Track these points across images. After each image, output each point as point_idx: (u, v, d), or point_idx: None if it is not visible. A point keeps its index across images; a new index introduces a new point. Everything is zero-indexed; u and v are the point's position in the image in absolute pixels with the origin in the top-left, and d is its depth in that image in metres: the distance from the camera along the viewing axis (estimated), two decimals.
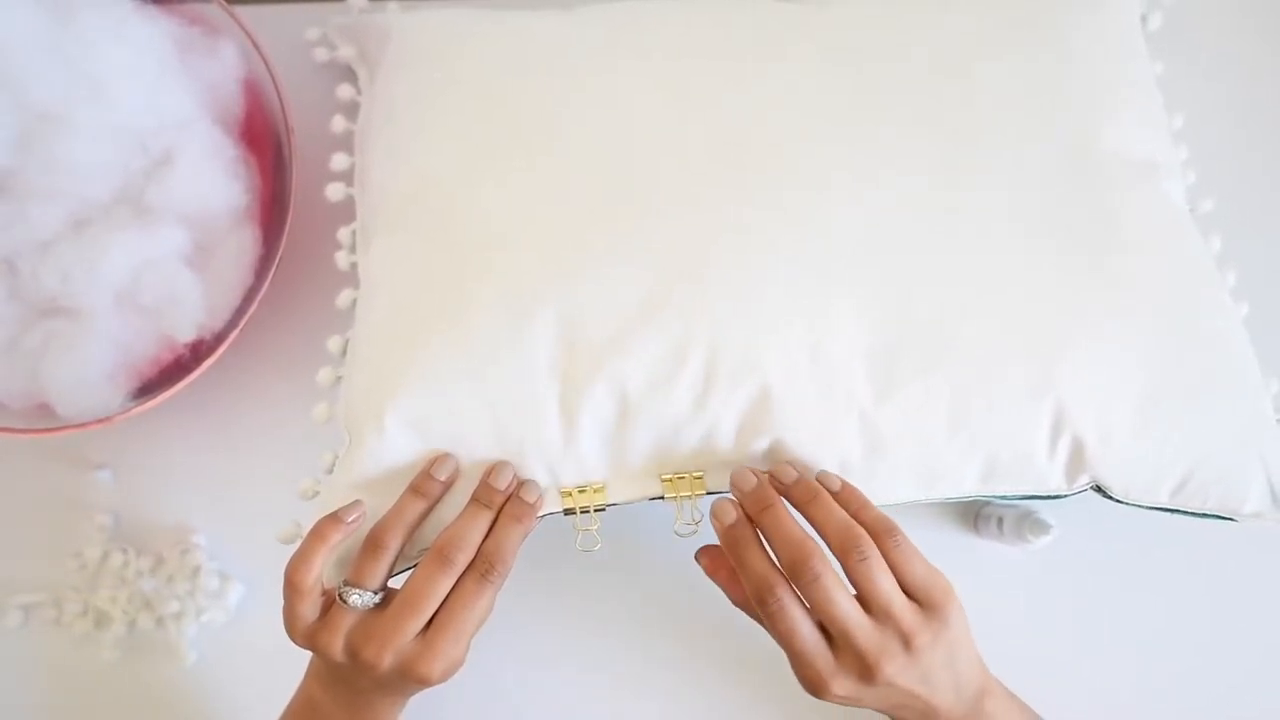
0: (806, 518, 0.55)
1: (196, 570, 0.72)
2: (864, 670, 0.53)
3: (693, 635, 0.70)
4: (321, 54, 0.74)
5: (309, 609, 0.56)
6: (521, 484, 0.58)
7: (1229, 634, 0.70)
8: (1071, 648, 0.70)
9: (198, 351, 0.68)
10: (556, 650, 0.70)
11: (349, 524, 0.56)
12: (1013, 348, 0.58)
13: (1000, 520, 0.68)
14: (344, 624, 0.55)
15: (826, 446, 0.58)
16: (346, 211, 0.69)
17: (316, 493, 0.64)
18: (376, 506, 0.59)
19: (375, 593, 0.55)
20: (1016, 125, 0.64)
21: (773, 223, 0.60)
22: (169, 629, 0.71)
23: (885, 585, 0.53)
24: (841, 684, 0.53)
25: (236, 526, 0.73)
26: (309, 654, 0.61)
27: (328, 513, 0.57)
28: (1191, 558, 0.71)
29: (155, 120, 0.67)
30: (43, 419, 0.67)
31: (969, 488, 0.60)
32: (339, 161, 0.69)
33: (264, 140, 0.72)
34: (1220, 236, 0.70)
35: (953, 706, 0.56)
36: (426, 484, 0.57)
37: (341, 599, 0.55)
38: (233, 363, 0.72)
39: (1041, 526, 0.65)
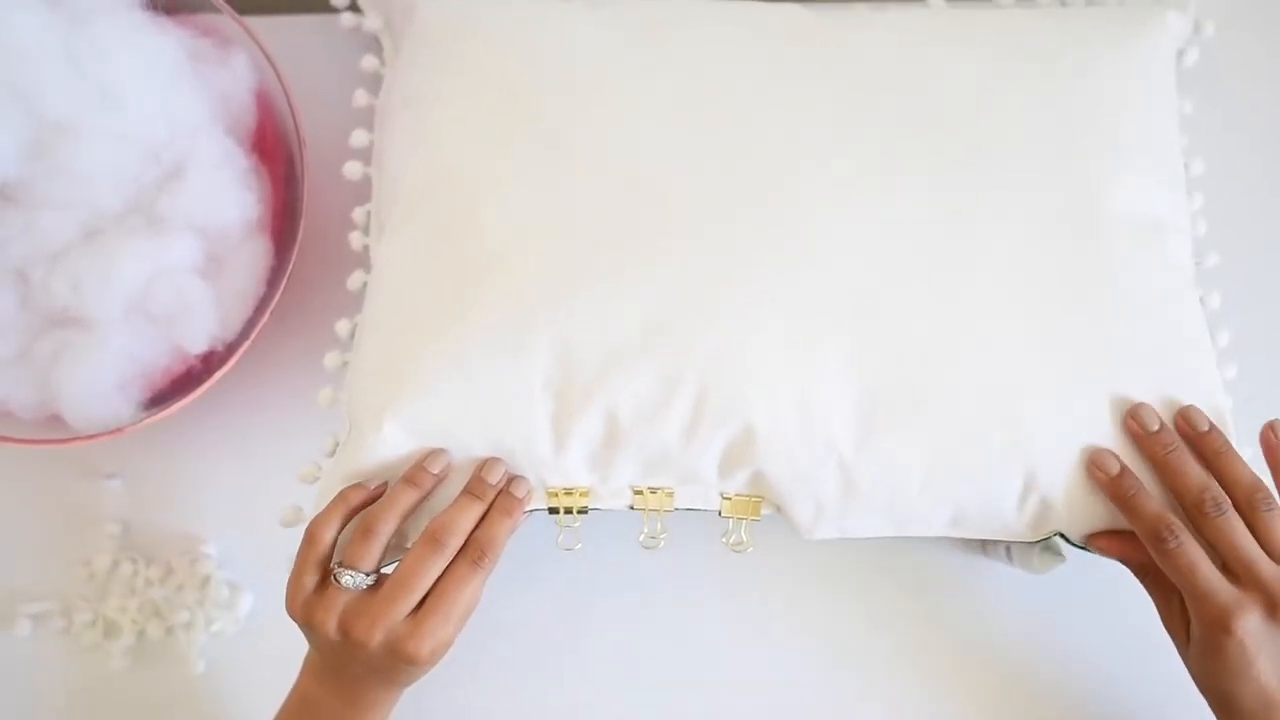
0: (1213, 470, 0.58)
1: (206, 580, 0.72)
2: (1269, 603, 0.55)
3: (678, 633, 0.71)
4: (348, 19, 0.73)
5: (311, 577, 0.58)
6: (511, 480, 0.60)
7: None
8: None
9: (209, 362, 0.68)
10: (546, 650, 0.71)
11: (372, 490, 0.59)
12: (993, 411, 0.60)
13: (1009, 548, 0.68)
14: (338, 602, 0.57)
15: (803, 485, 0.60)
16: (350, 234, 0.69)
17: (317, 477, 0.65)
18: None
19: (368, 574, 0.57)
20: (1025, 175, 0.63)
21: (773, 264, 0.60)
22: (178, 638, 0.71)
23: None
24: (1247, 618, 0.55)
25: (246, 536, 0.73)
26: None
27: (420, 454, 0.60)
28: None
29: (167, 130, 0.67)
30: (54, 429, 0.68)
31: (938, 530, 0.61)
32: (359, 138, 0.69)
33: (276, 151, 0.72)
34: (1228, 287, 0.69)
35: None
36: (419, 475, 0.59)
37: (335, 579, 0.57)
38: (244, 373, 0.72)
39: (1053, 555, 0.65)
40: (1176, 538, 0.56)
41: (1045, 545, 0.66)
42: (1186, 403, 0.61)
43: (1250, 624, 0.56)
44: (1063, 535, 0.61)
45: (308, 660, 0.62)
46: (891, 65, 0.65)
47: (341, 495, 0.59)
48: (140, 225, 0.67)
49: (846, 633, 0.71)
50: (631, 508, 0.61)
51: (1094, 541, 0.61)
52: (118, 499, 0.73)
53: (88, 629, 0.71)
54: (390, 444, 0.60)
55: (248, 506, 0.73)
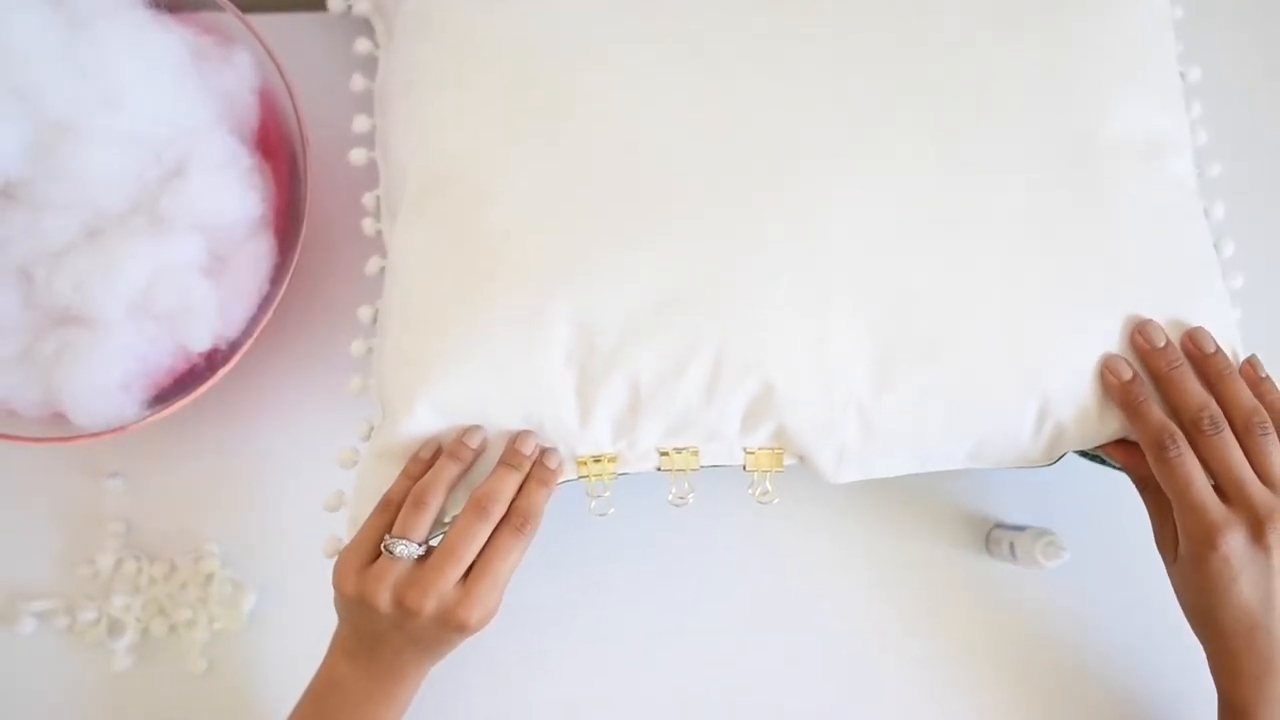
0: (1214, 391, 0.60)
1: (209, 578, 0.72)
2: (1255, 524, 0.56)
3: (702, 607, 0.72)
4: (336, 3, 0.72)
5: (367, 550, 0.59)
6: (544, 452, 0.62)
7: None
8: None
9: (213, 360, 0.68)
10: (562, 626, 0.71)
11: (427, 461, 0.61)
12: (1005, 349, 0.61)
13: (1012, 545, 0.68)
14: (390, 573, 0.58)
15: (824, 434, 0.61)
16: (362, 221, 0.69)
17: (355, 461, 0.66)
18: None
19: (420, 544, 0.58)
20: (1022, 115, 0.64)
21: (779, 223, 0.61)
22: (181, 637, 0.71)
23: (1272, 459, 0.57)
24: (1233, 536, 0.56)
25: (250, 535, 0.73)
26: (320, 660, 0.62)
27: (457, 430, 0.61)
28: None
29: (170, 129, 0.67)
30: (57, 427, 0.68)
31: (958, 463, 0.63)
32: (360, 124, 0.69)
33: (279, 149, 0.72)
34: (1232, 195, 0.70)
35: None
36: (460, 449, 0.61)
37: (388, 550, 0.58)
38: (248, 371, 0.72)
39: (1055, 550, 0.66)
40: (1177, 447, 0.58)
41: (1047, 542, 0.66)
42: (1193, 323, 0.62)
43: (1235, 542, 0.57)
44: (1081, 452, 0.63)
45: (337, 641, 0.62)
46: (887, 16, 0.65)
47: (404, 471, 0.61)
48: (143, 224, 0.67)
49: (853, 630, 0.72)
50: (659, 469, 0.62)
51: (1103, 448, 0.62)
52: (121, 497, 0.74)
53: (91, 627, 0.71)
54: (423, 425, 0.62)
55: (252, 505, 0.73)
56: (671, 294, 0.60)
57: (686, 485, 0.62)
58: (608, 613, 0.72)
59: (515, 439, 0.61)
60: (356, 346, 0.68)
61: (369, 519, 0.60)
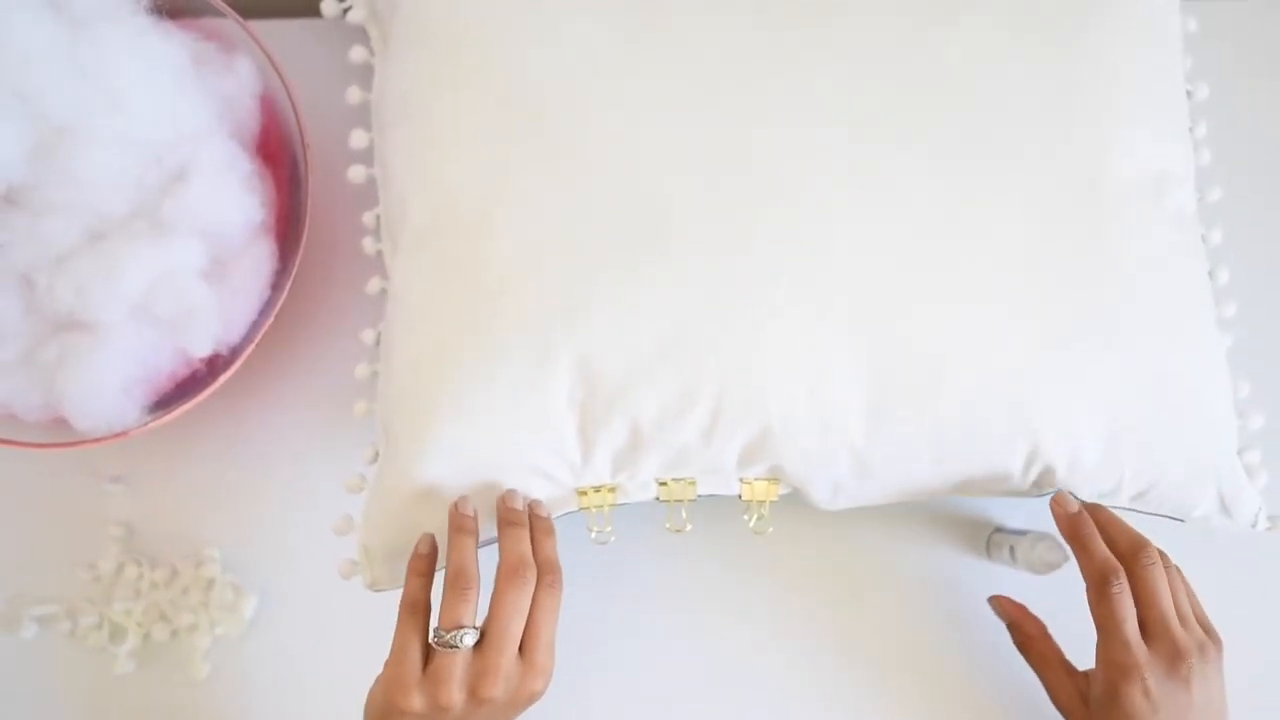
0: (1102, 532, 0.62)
1: (211, 583, 0.72)
2: (1173, 661, 0.58)
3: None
4: (330, 7, 0.71)
5: (418, 654, 0.56)
6: (532, 503, 0.62)
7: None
8: None
9: (214, 366, 0.68)
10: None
11: (432, 544, 0.61)
12: (999, 394, 0.62)
13: (1012, 549, 0.69)
14: (455, 669, 0.55)
15: (819, 472, 0.63)
16: (363, 225, 0.69)
17: (362, 488, 0.66)
18: (414, 511, 0.63)
19: (475, 628, 0.56)
20: (1026, 146, 0.63)
21: (779, 262, 0.61)
22: (183, 641, 0.71)
23: (1184, 600, 0.60)
24: (1151, 672, 0.58)
25: (251, 539, 0.73)
26: (322, 665, 0.62)
27: (450, 508, 0.61)
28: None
29: (171, 134, 0.67)
30: (58, 432, 0.68)
31: (946, 494, 0.65)
32: (358, 139, 0.69)
33: (280, 155, 0.72)
34: (1226, 223, 0.70)
35: None
36: (464, 521, 0.60)
37: (449, 645, 0.55)
38: (249, 377, 0.72)
39: (1054, 556, 0.66)
40: (1120, 584, 0.59)
41: (1047, 546, 0.66)
42: (1181, 371, 0.63)
43: (1155, 677, 0.59)
44: None
45: None
46: (889, 42, 0.64)
47: (412, 570, 0.59)
48: (144, 229, 0.67)
49: (854, 632, 0.72)
50: (657, 499, 0.64)
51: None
52: (122, 502, 0.74)
53: (93, 632, 0.71)
54: (430, 464, 0.62)
55: (253, 510, 0.73)
56: (672, 336, 0.61)
57: (684, 514, 0.64)
58: (607, 641, 0.72)
59: (504, 499, 0.61)
60: (360, 370, 0.68)
61: (400, 628, 0.57)
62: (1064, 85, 0.65)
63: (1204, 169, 0.69)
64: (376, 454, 0.66)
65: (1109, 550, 0.60)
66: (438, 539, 0.62)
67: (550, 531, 0.61)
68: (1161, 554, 0.61)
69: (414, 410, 0.62)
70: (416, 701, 0.55)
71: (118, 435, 0.66)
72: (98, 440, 0.66)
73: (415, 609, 0.58)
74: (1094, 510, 0.63)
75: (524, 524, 0.60)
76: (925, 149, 0.63)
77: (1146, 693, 0.58)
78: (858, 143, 0.63)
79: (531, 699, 0.58)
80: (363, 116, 0.70)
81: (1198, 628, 0.60)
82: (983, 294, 0.62)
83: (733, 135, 0.63)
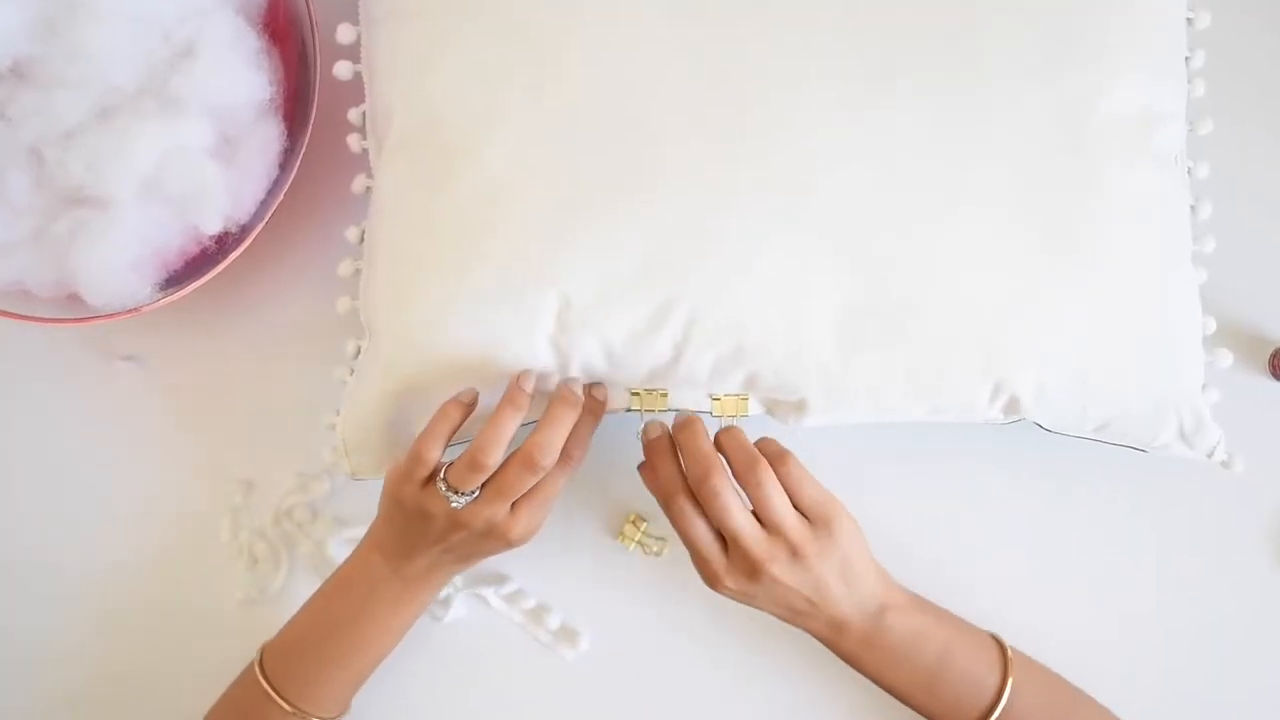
0: (718, 445, 0.62)
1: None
2: (751, 570, 0.60)
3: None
4: None
5: (420, 478, 0.61)
6: (593, 386, 0.64)
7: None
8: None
9: (223, 244, 0.68)
10: None
11: (468, 405, 0.62)
12: (970, 332, 0.63)
13: None
14: (447, 502, 0.60)
15: (790, 391, 0.64)
16: (353, 121, 0.69)
17: (345, 381, 0.68)
18: (392, 406, 0.65)
19: (472, 493, 0.60)
20: (1019, 86, 0.63)
21: (765, 189, 0.62)
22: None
23: (778, 503, 0.60)
24: (732, 579, 0.61)
25: (257, 425, 0.75)
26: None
27: (450, 398, 0.62)
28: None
29: (178, 8, 0.66)
30: (72, 309, 0.68)
31: (917, 419, 0.66)
32: (345, 34, 0.68)
33: (288, 32, 0.71)
34: (1213, 160, 0.69)
35: (852, 616, 0.62)
36: (518, 396, 0.61)
37: (446, 493, 0.60)
38: (258, 255, 0.72)
39: None
40: (680, 505, 0.61)
41: None
42: (1162, 306, 0.64)
43: (738, 584, 0.61)
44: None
45: (375, 536, 0.65)
46: None
47: (444, 413, 0.61)
48: (153, 106, 0.66)
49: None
50: (629, 409, 0.65)
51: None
52: (133, 379, 0.75)
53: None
54: (409, 362, 0.63)
55: (253, 393, 0.75)
56: (654, 252, 0.62)
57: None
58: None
59: (561, 384, 0.63)
60: (344, 268, 0.69)
61: (432, 427, 0.60)
62: (1056, 25, 0.64)
63: (1196, 101, 0.68)
64: (359, 349, 0.68)
65: (674, 474, 0.61)
66: (415, 429, 0.64)
67: (595, 412, 0.64)
68: (767, 445, 0.61)
69: (394, 308, 0.64)
70: (409, 499, 0.61)
71: (131, 312, 0.67)
72: (111, 316, 0.67)
73: (445, 417, 0.61)
74: (677, 431, 0.62)
75: (574, 407, 0.60)
76: (912, 83, 0.63)
77: (736, 595, 0.62)
78: (846, 77, 0.63)
79: (504, 542, 0.62)
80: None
81: (793, 527, 0.60)
82: (963, 225, 0.62)
83: (725, 59, 0.63)
